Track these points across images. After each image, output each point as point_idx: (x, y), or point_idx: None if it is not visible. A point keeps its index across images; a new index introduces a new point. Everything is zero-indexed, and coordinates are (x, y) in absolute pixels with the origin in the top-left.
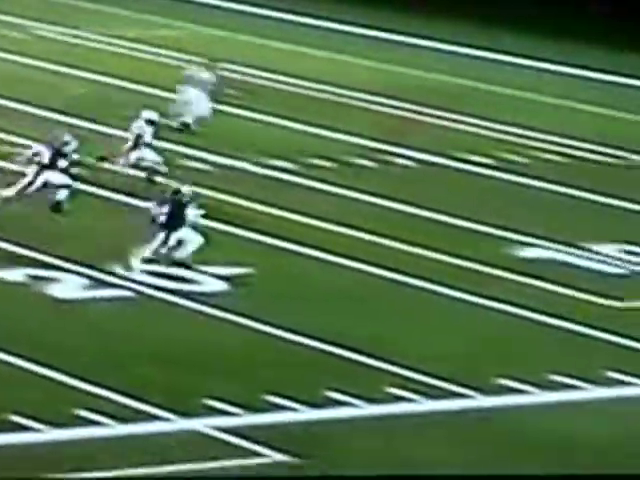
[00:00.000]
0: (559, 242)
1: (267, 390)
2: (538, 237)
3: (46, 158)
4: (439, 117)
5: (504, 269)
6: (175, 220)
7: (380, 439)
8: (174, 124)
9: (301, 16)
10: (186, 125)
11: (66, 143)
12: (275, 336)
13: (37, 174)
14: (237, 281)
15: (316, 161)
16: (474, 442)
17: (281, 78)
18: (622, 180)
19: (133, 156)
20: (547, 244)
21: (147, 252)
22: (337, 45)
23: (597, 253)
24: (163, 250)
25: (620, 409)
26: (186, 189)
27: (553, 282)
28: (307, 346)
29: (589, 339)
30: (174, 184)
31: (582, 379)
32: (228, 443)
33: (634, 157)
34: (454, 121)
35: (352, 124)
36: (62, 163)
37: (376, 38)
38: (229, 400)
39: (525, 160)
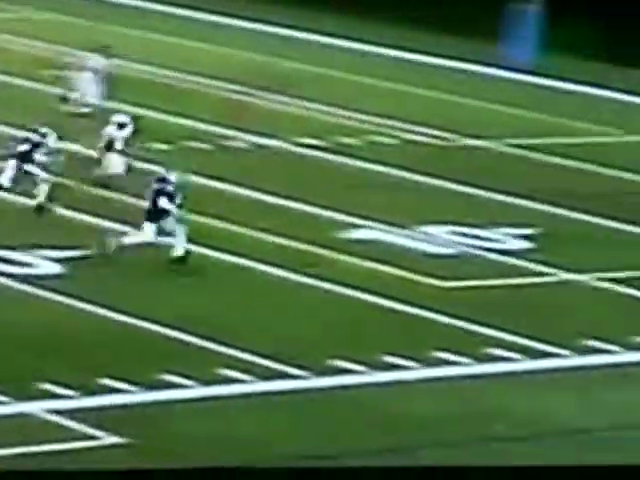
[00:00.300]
0: (389, 223)
1: (102, 373)
2: (369, 219)
3: (25, 150)
4: (275, 101)
5: (336, 251)
6: (161, 209)
7: (213, 420)
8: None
9: (148, 1)
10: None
11: (44, 135)
12: (110, 319)
13: (18, 167)
14: (72, 264)
15: (152, 144)
16: (307, 422)
17: (121, 63)
18: (451, 162)
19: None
20: (378, 225)
21: (137, 240)
22: (178, 30)
23: (426, 234)
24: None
25: (449, 388)
26: (172, 177)
27: (384, 263)
28: (142, 328)
29: (419, 319)
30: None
31: (413, 359)
32: (63, 426)
33: (462, 139)
34: (289, 105)
35: (189, 107)
36: (39, 156)
37: (219, 24)
38: (65, 383)
39: (357, 142)
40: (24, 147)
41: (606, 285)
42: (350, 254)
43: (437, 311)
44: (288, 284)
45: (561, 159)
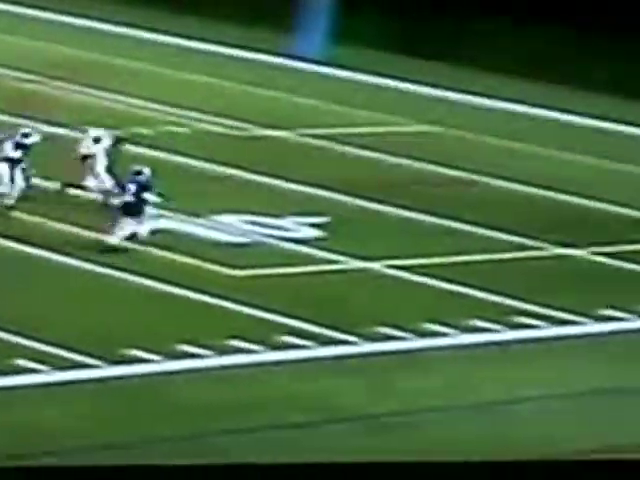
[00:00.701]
0: (183, 213)
1: None
2: (162, 208)
3: (10, 152)
4: (68, 90)
5: (130, 240)
6: (139, 202)
7: (9, 410)
8: None
9: None
10: None
11: (26, 135)
12: None
13: (12, 169)
14: None
15: None
16: (104, 412)
17: None
18: (244, 151)
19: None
20: (172, 215)
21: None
22: None
23: (219, 223)
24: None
25: (243, 376)
26: (147, 170)
27: (178, 252)
28: None
29: (213, 308)
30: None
31: (207, 347)
32: None
33: (256, 129)
34: (82, 94)
35: None
36: (19, 154)
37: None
38: None
39: (151, 132)
40: (11, 148)
41: (395, 273)
42: (145, 243)
43: (230, 299)
44: (84, 274)
45: (352, 148)
